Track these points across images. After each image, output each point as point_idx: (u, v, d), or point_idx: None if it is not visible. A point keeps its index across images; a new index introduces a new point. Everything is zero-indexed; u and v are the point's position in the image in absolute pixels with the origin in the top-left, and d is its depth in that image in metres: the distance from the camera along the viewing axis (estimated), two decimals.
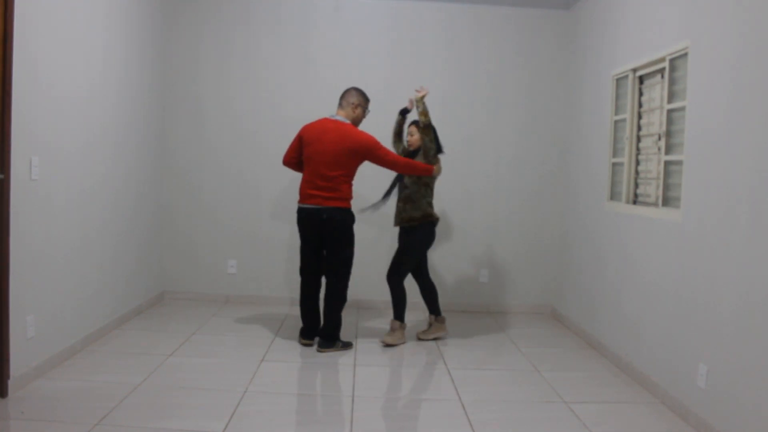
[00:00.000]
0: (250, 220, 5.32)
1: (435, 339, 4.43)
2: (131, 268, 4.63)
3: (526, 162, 5.38)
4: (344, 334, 4.26)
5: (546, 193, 5.39)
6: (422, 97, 4.13)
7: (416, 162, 4.13)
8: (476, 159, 5.35)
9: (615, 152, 4.30)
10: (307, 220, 4.08)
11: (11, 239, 3.00)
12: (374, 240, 5.20)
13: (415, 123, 4.27)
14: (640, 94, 4.00)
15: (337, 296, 4.10)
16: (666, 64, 3.57)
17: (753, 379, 2.65)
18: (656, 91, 3.78)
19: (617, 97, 4.28)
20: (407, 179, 4.23)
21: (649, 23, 3.79)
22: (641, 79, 3.99)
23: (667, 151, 3.55)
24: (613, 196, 4.30)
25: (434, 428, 3.03)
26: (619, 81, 4.25)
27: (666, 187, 3.55)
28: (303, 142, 4.13)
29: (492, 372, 3.86)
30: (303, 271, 4.21)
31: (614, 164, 4.31)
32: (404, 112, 4.44)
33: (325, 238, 4.09)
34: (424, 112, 4.13)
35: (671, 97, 3.54)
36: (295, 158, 4.21)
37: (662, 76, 3.69)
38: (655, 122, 3.79)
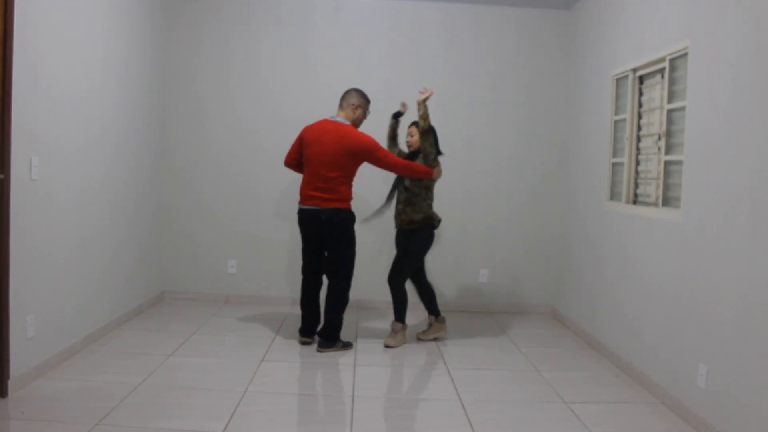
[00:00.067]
0: (250, 220, 5.32)
1: (435, 339, 4.43)
2: (131, 268, 4.63)
3: (526, 162, 5.38)
4: (344, 334, 4.26)
5: (546, 193, 5.39)
6: (425, 100, 4.08)
7: (416, 164, 4.11)
8: (476, 159, 5.35)
9: (615, 152, 4.30)
10: (306, 221, 4.10)
11: (11, 239, 3.00)
12: (375, 240, 5.20)
13: (415, 123, 4.25)
14: (640, 94, 4.00)
15: (338, 297, 4.10)
16: (666, 64, 3.57)
17: (753, 379, 2.65)
18: (656, 91, 3.78)
19: (617, 97, 4.28)
20: (407, 181, 4.20)
21: (649, 23, 3.79)
22: (641, 79, 3.99)
23: (667, 151, 3.55)
24: (613, 196, 4.30)
25: (434, 428, 3.03)
26: (619, 81, 4.25)
27: (666, 187, 3.55)
28: (303, 143, 4.14)
29: (492, 372, 3.86)
30: (304, 271, 4.24)
31: (614, 164, 4.31)
32: (397, 116, 4.42)
33: (324, 239, 4.09)
34: (425, 116, 4.09)
35: (671, 97, 3.54)
36: (296, 159, 4.22)
37: (662, 76, 3.69)
38: (655, 122, 3.79)
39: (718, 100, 3.00)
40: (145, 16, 4.70)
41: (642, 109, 3.98)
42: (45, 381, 3.27)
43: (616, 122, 4.29)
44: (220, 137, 5.28)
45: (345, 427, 2.93)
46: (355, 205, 4.22)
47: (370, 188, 4.88)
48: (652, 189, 3.80)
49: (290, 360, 3.91)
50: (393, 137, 4.44)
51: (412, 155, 4.27)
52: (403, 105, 4.37)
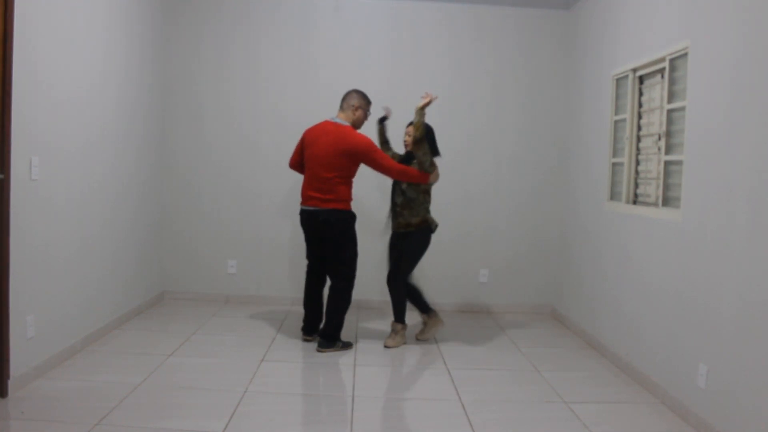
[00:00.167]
0: (250, 219, 5.32)
1: (434, 336, 4.42)
2: (131, 268, 4.63)
3: (526, 162, 5.38)
4: (344, 334, 4.26)
5: (546, 193, 5.39)
6: (423, 106, 3.99)
7: (411, 169, 4.08)
8: (476, 159, 5.35)
9: (615, 152, 4.30)
10: (306, 221, 4.12)
11: (11, 239, 3.00)
12: (375, 240, 5.19)
13: (413, 124, 4.23)
14: (640, 94, 4.00)
15: (340, 297, 4.10)
16: (666, 64, 3.57)
17: (753, 379, 2.65)
18: (656, 91, 3.78)
19: (617, 97, 4.28)
20: (405, 185, 4.17)
21: (649, 23, 3.79)
22: (641, 79, 3.99)
23: (667, 151, 3.55)
24: (613, 196, 4.30)
25: (434, 428, 3.03)
26: (619, 81, 4.25)
27: (666, 187, 3.55)
28: (304, 145, 4.18)
29: (492, 372, 3.86)
30: (308, 270, 4.31)
31: (614, 164, 4.31)
32: (382, 120, 4.41)
33: (324, 240, 4.10)
34: (418, 125, 4.00)
35: (671, 97, 3.54)
36: (299, 161, 4.26)
37: (662, 76, 3.69)
38: (655, 122, 3.79)
39: (718, 100, 3.00)
40: (145, 16, 4.71)
41: (642, 109, 3.98)
42: (45, 381, 3.27)
43: (616, 122, 4.29)
44: (220, 137, 5.28)
45: (345, 427, 2.93)
46: (355, 206, 4.22)
47: (371, 187, 4.88)
48: (652, 189, 3.80)
49: (290, 360, 3.91)
50: (384, 142, 4.43)
51: (408, 156, 4.24)
52: (386, 109, 4.37)
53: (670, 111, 3.54)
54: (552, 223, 5.38)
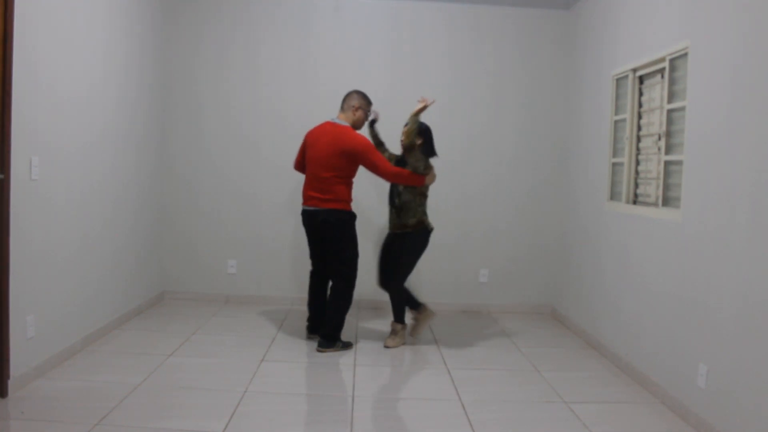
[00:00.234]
0: (250, 219, 5.32)
1: (425, 328, 4.38)
2: (131, 268, 4.63)
3: (526, 162, 5.38)
4: (344, 334, 4.26)
5: (546, 193, 5.39)
6: (418, 112, 3.95)
7: (406, 171, 4.03)
8: (476, 159, 5.35)
9: (615, 152, 4.30)
10: (307, 221, 4.15)
11: (11, 239, 3.00)
12: (375, 241, 5.19)
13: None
14: (640, 94, 4.00)
15: (340, 297, 4.10)
16: (666, 64, 3.57)
17: (753, 379, 2.65)
18: (656, 91, 3.78)
19: (617, 97, 4.28)
20: (401, 187, 4.16)
21: (649, 23, 3.79)
22: (641, 79, 3.99)
23: (667, 151, 3.55)
24: (613, 196, 4.30)
25: (434, 428, 3.03)
26: (619, 81, 4.25)
27: (666, 187, 3.55)
28: (306, 146, 4.20)
29: (492, 372, 3.86)
30: (311, 271, 4.33)
31: (614, 164, 4.31)
32: (372, 123, 4.40)
33: (325, 240, 4.11)
34: (408, 132, 3.96)
35: (671, 97, 3.54)
36: (302, 162, 4.28)
37: (662, 76, 3.69)
38: (655, 122, 3.79)
39: (718, 100, 3.00)
40: (145, 16, 4.71)
41: (642, 109, 3.98)
42: (45, 381, 3.27)
43: (616, 122, 4.29)
44: (220, 137, 5.28)
45: (345, 427, 2.93)
46: (355, 206, 4.21)
47: (371, 185, 4.88)
48: (652, 189, 3.80)
49: (290, 360, 3.91)
50: (379, 144, 4.41)
51: (403, 157, 4.22)
52: (374, 112, 4.36)
53: (670, 111, 3.54)
54: (552, 223, 5.38)
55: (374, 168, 4.00)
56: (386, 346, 4.21)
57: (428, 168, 4.11)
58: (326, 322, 4.11)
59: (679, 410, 3.20)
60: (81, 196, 3.77)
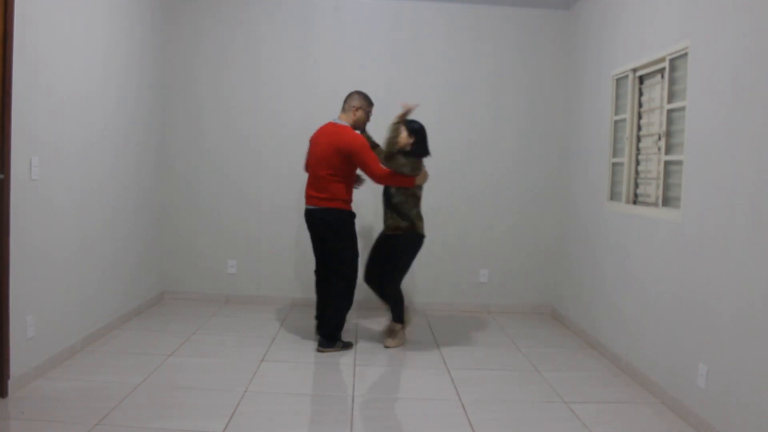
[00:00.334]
0: (250, 220, 5.32)
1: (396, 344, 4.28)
2: (131, 268, 4.63)
3: (526, 162, 5.38)
4: (344, 334, 4.26)
5: (546, 193, 5.38)
6: (399, 118, 3.90)
7: (396, 175, 3.97)
8: (476, 158, 5.35)
9: (615, 152, 4.30)
10: (308, 220, 4.17)
11: (11, 239, 3.00)
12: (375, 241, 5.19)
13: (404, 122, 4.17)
14: (640, 94, 4.00)
15: (339, 297, 4.10)
16: (666, 64, 3.57)
17: (753, 379, 2.65)
18: (656, 91, 3.78)
19: (617, 97, 4.28)
20: (393, 188, 4.14)
21: (649, 23, 3.79)
22: (641, 79, 3.99)
23: (667, 151, 3.55)
24: (613, 196, 4.30)
25: (434, 428, 3.03)
26: (619, 81, 4.25)
27: (666, 187, 3.55)
28: (310, 147, 4.24)
29: (492, 372, 3.86)
30: (315, 269, 4.35)
31: (614, 164, 4.31)
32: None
33: (324, 239, 4.12)
34: (389, 141, 3.90)
35: (671, 97, 3.54)
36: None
37: (662, 76, 3.69)
38: (655, 122, 3.79)
39: (718, 100, 3.00)
40: (145, 17, 4.70)
41: (642, 109, 3.98)
42: (45, 381, 3.27)
43: (616, 122, 4.29)
44: (220, 137, 5.28)
45: (345, 427, 2.93)
46: (354, 207, 4.21)
47: (367, 189, 4.87)
48: (652, 189, 3.80)
49: (290, 360, 3.91)
50: (374, 146, 4.39)
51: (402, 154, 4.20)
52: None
53: (670, 111, 3.54)
54: (552, 223, 5.38)
55: (364, 167, 3.99)
56: (386, 346, 4.21)
57: (417, 169, 4.05)
58: (326, 322, 4.11)
59: (679, 410, 3.20)
60: (81, 196, 3.77)
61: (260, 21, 5.23)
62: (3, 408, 2.92)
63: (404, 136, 4.09)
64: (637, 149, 4.02)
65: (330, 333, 4.09)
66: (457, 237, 5.37)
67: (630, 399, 3.45)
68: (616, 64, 4.24)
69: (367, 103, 4.19)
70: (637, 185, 4.03)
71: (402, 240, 4.16)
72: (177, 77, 5.23)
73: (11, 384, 3.04)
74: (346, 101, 4.19)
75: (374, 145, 4.40)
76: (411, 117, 4.03)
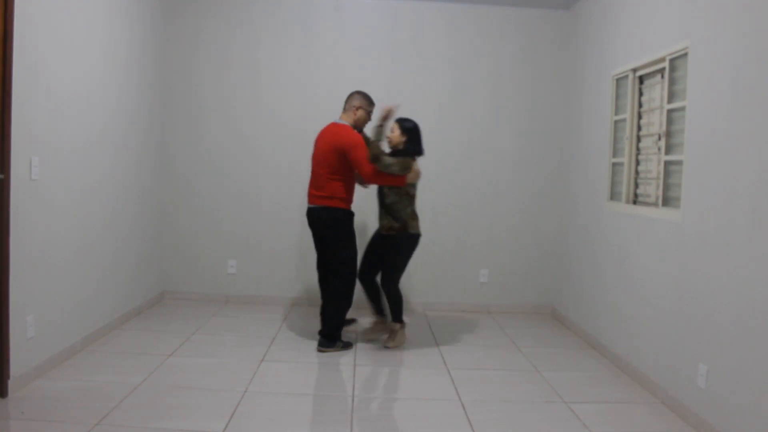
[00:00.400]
0: (250, 220, 5.32)
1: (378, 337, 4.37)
2: (131, 268, 4.63)
3: (526, 162, 5.37)
4: (344, 334, 4.26)
5: (546, 193, 5.38)
6: (381, 121, 3.89)
7: (385, 174, 3.96)
8: (476, 159, 5.35)
9: (615, 152, 4.30)
10: (308, 219, 4.18)
11: (11, 239, 3.00)
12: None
13: (397, 121, 4.17)
14: (640, 94, 4.00)
15: (338, 296, 4.10)
16: (666, 64, 3.57)
17: (753, 379, 2.65)
18: (656, 91, 3.78)
19: (617, 97, 4.28)
20: (386, 188, 4.13)
21: (649, 23, 3.79)
22: (641, 79, 3.99)
23: (667, 151, 3.55)
24: (613, 196, 4.30)
25: (434, 428, 3.03)
26: (619, 81, 4.25)
27: (666, 187, 3.55)
28: (314, 146, 4.23)
29: (492, 372, 3.86)
30: (317, 266, 4.35)
31: (614, 164, 4.31)
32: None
33: (323, 238, 4.12)
34: (372, 146, 3.90)
35: (671, 97, 3.54)
36: None
37: (662, 76, 3.69)
38: (655, 122, 3.79)
39: (718, 100, 3.00)
40: (145, 16, 4.70)
41: (642, 109, 3.98)
42: (45, 381, 3.27)
43: (616, 122, 4.29)
44: (220, 137, 5.28)
45: (345, 427, 2.93)
46: (354, 208, 4.21)
47: (365, 189, 4.87)
48: (652, 189, 3.80)
49: (290, 360, 3.91)
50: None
51: (392, 155, 4.19)
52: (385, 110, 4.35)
53: (670, 111, 3.54)
54: (552, 223, 5.38)
55: (356, 165, 3.99)
56: (386, 346, 4.21)
57: (406, 168, 4.00)
58: (326, 322, 4.11)
59: (679, 410, 3.20)
60: (81, 196, 3.77)
61: (260, 21, 5.23)
62: (3, 408, 2.92)
63: (397, 135, 4.11)
64: (637, 149, 4.02)
65: (330, 333, 4.09)
66: (457, 237, 5.36)
67: (630, 399, 3.45)
68: (616, 64, 4.24)
69: (367, 102, 4.19)
70: (637, 185, 4.03)
71: (396, 240, 4.15)
72: (177, 77, 5.23)
73: (11, 384, 3.04)
74: (347, 101, 4.19)
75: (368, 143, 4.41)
76: (407, 116, 4.04)
